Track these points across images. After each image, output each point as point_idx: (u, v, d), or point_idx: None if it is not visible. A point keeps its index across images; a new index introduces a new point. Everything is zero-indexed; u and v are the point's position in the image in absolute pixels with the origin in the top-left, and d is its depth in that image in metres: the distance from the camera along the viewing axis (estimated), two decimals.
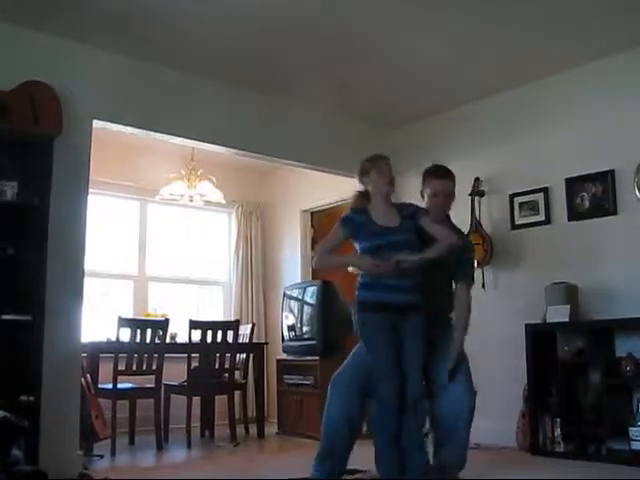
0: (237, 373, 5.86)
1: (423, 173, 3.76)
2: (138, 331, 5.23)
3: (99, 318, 5.98)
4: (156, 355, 5.30)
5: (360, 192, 3.65)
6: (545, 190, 5.05)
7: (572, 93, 4.94)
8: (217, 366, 5.55)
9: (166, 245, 7.03)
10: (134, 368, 5.22)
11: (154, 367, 5.29)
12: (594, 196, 4.76)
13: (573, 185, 4.87)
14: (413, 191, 3.91)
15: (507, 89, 5.27)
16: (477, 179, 5.37)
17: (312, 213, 7.23)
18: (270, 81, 5.15)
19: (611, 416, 4.27)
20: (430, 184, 3.69)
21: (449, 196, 3.70)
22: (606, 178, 4.69)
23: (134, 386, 5.36)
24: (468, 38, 4.45)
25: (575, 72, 4.90)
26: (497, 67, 4.91)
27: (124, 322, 5.23)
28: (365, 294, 3.48)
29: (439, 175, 3.72)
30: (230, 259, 7.40)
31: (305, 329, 6.09)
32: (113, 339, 5.21)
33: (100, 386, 5.07)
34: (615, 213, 4.65)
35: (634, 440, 4.10)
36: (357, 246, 3.56)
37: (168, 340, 5.55)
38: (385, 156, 3.60)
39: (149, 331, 5.27)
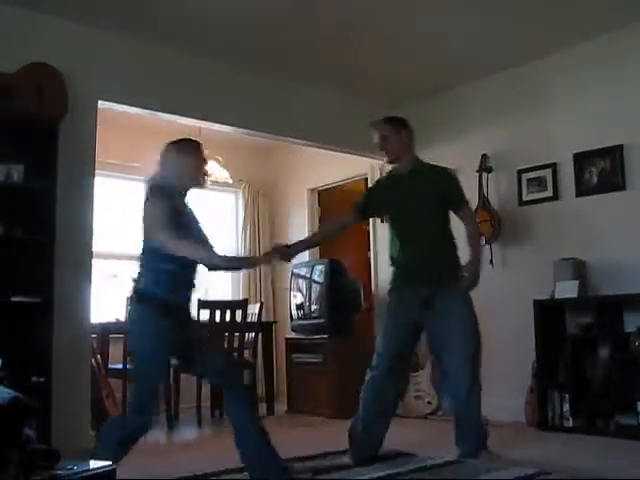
0: (246, 352, 5.89)
1: None
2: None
3: (108, 299, 6.01)
4: None
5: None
6: (553, 166, 5.02)
7: (580, 68, 4.90)
8: (226, 345, 5.58)
9: None
10: None
11: None
12: (602, 171, 4.73)
13: (581, 160, 4.84)
14: None
15: (514, 65, 5.22)
16: (484, 155, 5.34)
17: (319, 192, 7.22)
18: (275, 60, 5.11)
19: (619, 391, 4.28)
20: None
21: (386, 139, 3.75)
22: (615, 153, 4.66)
23: None
24: (474, 14, 4.40)
25: (583, 47, 4.85)
26: (504, 43, 4.86)
27: None
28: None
29: (372, 126, 3.85)
30: (238, 238, 7.41)
31: (314, 307, 6.12)
32: (122, 319, 5.23)
33: (110, 366, 5.10)
34: (624, 188, 4.62)
35: None
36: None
37: None
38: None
39: None
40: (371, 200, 3.93)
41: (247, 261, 3.71)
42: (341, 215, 4.08)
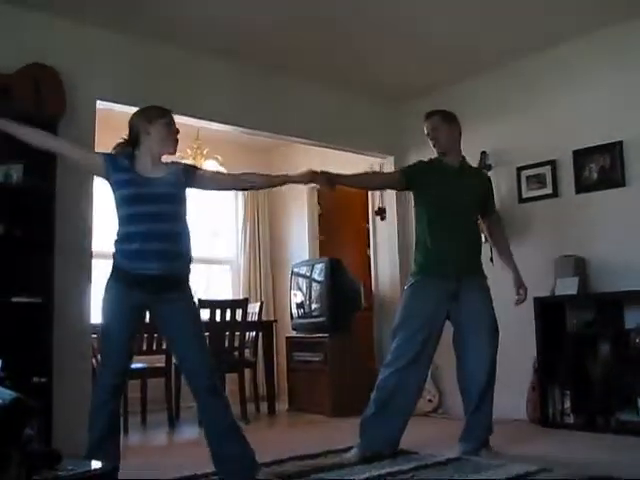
0: (247, 351, 5.88)
1: None
2: (147, 311, 5.24)
3: None
4: None
5: (125, 140, 3.19)
6: (552, 163, 5.02)
7: (579, 64, 4.89)
8: (227, 345, 5.57)
9: None
10: (144, 348, 5.25)
11: (164, 346, 5.31)
12: (602, 168, 4.73)
13: (581, 157, 4.84)
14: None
15: (512, 61, 5.22)
16: (484, 153, 5.33)
17: (319, 190, 7.21)
18: (275, 58, 5.11)
19: (620, 388, 4.29)
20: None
21: (437, 130, 3.81)
22: (614, 149, 4.65)
23: (145, 366, 5.38)
24: (472, 10, 4.40)
25: (581, 42, 4.85)
26: (502, 39, 4.85)
27: None
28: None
29: (424, 119, 3.89)
30: (238, 237, 7.41)
31: (314, 306, 6.12)
32: None
33: None
34: (623, 185, 4.62)
35: None
36: (114, 191, 3.09)
37: None
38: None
39: None
40: (420, 174, 3.85)
41: (281, 178, 3.48)
42: (386, 173, 4.06)
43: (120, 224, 3.06)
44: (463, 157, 3.92)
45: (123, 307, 3.03)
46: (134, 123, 3.16)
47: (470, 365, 3.68)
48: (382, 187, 4.02)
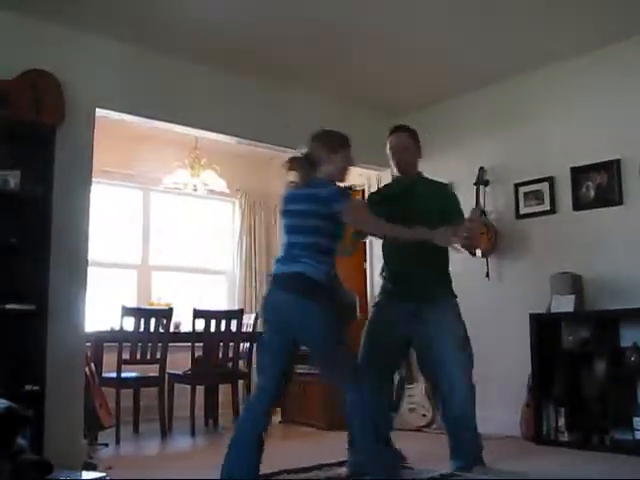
0: (241, 362, 5.86)
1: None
2: (142, 320, 5.23)
3: (103, 307, 5.98)
4: (160, 344, 5.30)
5: (303, 158, 3.16)
6: (550, 179, 5.02)
7: (577, 81, 4.91)
8: (221, 355, 5.56)
9: (169, 234, 7.01)
10: (138, 357, 5.24)
11: (158, 356, 5.30)
12: (599, 186, 4.74)
13: (578, 174, 4.85)
14: None
15: (511, 77, 5.23)
16: (481, 168, 5.34)
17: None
18: (273, 69, 5.12)
19: (615, 406, 4.27)
20: (387, 144, 3.74)
21: (407, 150, 3.70)
22: (612, 167, 4.66)
23: (138, 375, 5.37)
24: (471, 25, 4.42)
25: (581, 60, 4.86)
26: (501, 54, 4.87)
27: (128, 311, 5.23)
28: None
29: (392, 131, 3.76)
30: (234, 248, 7.39)
31: None
32: (117, 328, 5.20)
33: (104, 375, 5.08)
34: (621, 203, 4.62)
35: (638, 430, 4.10)
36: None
37: (172, 329, 5.55)
38: None
39: (153, 320, 5.27)
40: (373, 207, 3.79)
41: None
42: None
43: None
44: (420, 172, 3.83)
45: None
46: (317, 148, 3.11)
47: (444, 392, 3.59)
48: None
